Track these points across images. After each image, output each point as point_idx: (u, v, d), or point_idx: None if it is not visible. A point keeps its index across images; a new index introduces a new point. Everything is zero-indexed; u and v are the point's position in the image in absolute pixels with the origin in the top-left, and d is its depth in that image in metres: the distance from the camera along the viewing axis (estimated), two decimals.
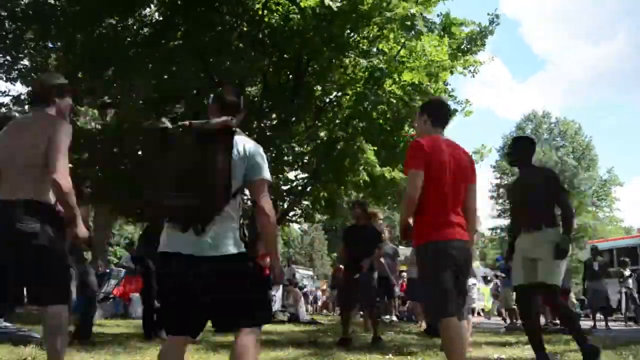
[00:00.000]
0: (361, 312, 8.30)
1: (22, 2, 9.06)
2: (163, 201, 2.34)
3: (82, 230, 2.87)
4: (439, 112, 3.40)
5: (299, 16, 8.94)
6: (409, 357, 4.98)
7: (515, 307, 10.89)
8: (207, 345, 5.24)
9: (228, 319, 2.32)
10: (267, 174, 2.44)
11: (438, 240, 3.02)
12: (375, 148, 10.01)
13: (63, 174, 2.71)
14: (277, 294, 11.55)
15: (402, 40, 9.63)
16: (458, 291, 3.02)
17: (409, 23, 8.66)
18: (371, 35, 9.79)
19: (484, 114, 68.78)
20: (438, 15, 10.86)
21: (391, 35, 9.65)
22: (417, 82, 9.50)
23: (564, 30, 71.04)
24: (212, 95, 2.72)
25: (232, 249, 2.31)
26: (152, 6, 9.85)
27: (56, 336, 2.73)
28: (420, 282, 3.39)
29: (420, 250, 3.14)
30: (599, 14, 67.37)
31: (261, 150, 2.48)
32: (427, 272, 3.08)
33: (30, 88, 3.15)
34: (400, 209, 3.07)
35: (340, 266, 6.24)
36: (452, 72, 10.75)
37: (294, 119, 10.48)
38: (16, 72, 9.90)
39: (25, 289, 2.93)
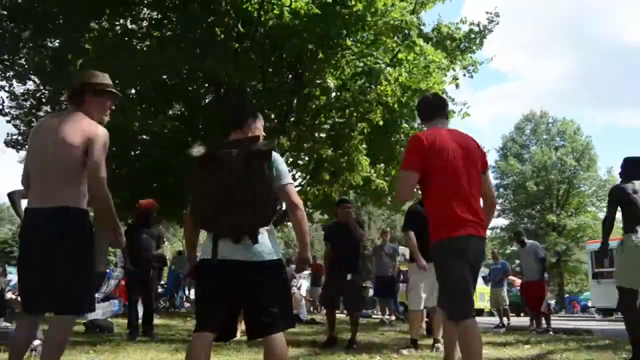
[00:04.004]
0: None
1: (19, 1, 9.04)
2: (218, 219, 2.51)
3: (122, 242, 2.90)
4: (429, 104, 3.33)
5: (291, 16, 8.88)
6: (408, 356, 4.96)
7: (507, 307, 10.71)
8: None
9: (265, 320, 2.47)
10: (290, 177, 2.71)
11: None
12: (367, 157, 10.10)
13: (102, 186, 2.65)
14: None
15: (397, 48, 9.55)
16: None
17: (403, 31, 8.72)
18: (368, 40, 9.73)
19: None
20: (432, 28, 10.71)
21: (388, 40, 9.51)
22: (413, 87, 9.51)
23: (523, 45, 71.25)
24: (227, 115, 2.92)
25: (274, 255, 2.57)
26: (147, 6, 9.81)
27: (58, 343, 2.61)
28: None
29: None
30: (549, 30, 67.69)
31: (279, 156, 2.70)
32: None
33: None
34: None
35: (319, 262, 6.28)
36: (453, 70, 10.65)
37: (293, 119, 10.45)
38: (12, 71, 9.88)
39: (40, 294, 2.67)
